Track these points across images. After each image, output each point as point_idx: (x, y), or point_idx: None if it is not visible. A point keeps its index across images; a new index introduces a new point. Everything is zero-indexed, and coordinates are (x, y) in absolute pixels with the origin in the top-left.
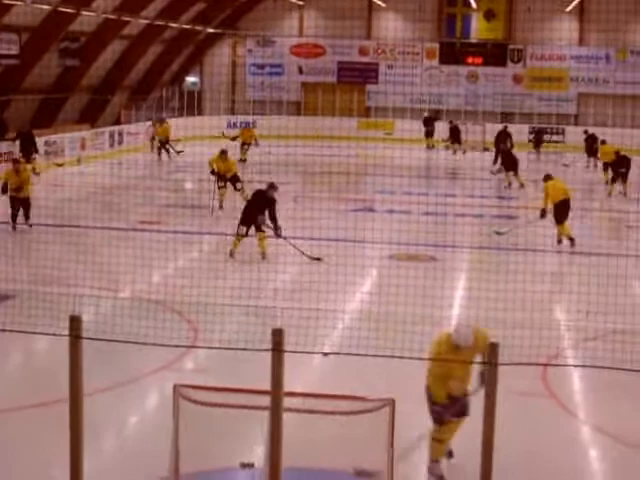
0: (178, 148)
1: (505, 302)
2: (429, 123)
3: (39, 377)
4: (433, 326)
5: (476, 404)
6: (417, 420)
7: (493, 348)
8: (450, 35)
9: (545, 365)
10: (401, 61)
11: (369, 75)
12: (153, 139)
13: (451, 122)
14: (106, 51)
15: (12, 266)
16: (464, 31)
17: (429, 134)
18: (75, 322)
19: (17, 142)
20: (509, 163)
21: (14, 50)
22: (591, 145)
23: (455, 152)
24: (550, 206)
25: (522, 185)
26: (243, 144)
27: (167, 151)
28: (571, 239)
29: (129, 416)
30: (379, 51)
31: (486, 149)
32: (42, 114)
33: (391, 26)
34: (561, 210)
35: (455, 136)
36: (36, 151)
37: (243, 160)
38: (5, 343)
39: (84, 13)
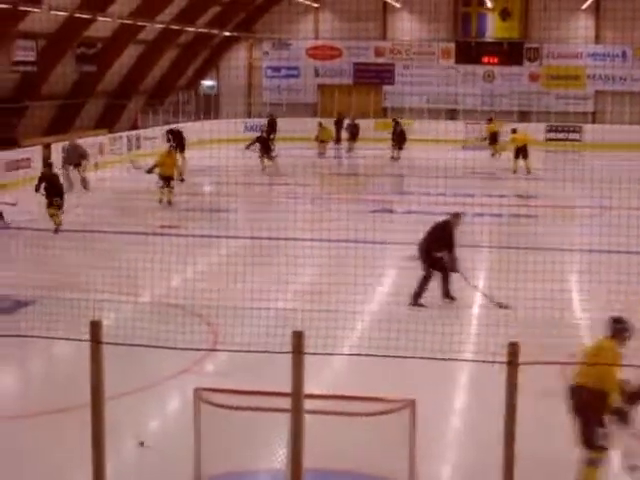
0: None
1: (524, 301)
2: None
3: (60, 382)
4: (453, 326)
5: (496, 405)
6: (437, 421)
7: (513, 348)
8: (466, 35)
9: (567, 364)
10: (417, 61)
11: (385, 76)
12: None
13: (490, 120)
14: (122, 56)
15: (32, 272)
16: (480, 30)
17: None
18: (96, 327)
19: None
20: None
21: (31, 57)
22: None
23: (494, 155)
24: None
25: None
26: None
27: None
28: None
29: (150, 420)
30: (395, 52)
31: (503, 149)
32: (59, 120)
33: (406, 27)
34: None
35: (494, 138)
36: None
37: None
38: (26, 349)
39: (100, 19)
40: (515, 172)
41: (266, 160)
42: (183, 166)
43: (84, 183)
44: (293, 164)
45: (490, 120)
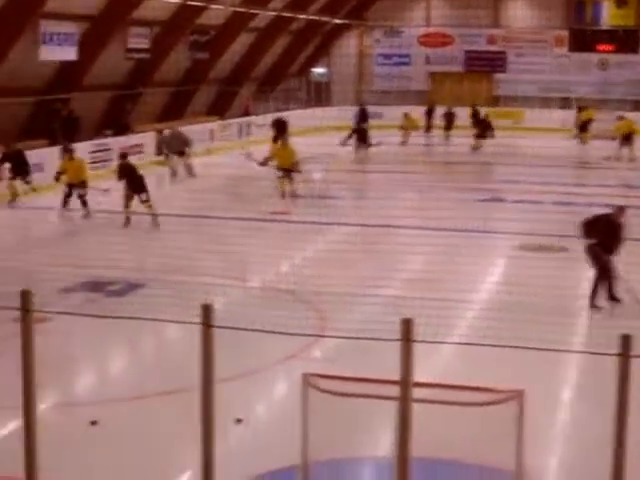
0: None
1: (637, 292)
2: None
3: (170, 365)
4: (564, 317)
5: (607, 398)
6: (546, 412)
7: (626, 340)
8: (580, 22)
9: None
10: (530, 49)
11: (497, 64)
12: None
13: (580, 109)
14: (234, 43)
15: (145, 256)
16: (594, 18)
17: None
18: (207, 310)
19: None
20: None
21: (145, 44)
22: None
23: (582, 143)
24: None
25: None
26: None
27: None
28: None
29: (258, 404)
30: (507, 39)
31: (614, 138)
32: (172, 107)
33: (519, 14)
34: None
35: (584, 126)
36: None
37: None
38: (137, 331)
39: (212, 6)
40: (619, 160)
41: (362, 151)
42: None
43: (189, 170)
44: (404, 152)
45: (581, 109)
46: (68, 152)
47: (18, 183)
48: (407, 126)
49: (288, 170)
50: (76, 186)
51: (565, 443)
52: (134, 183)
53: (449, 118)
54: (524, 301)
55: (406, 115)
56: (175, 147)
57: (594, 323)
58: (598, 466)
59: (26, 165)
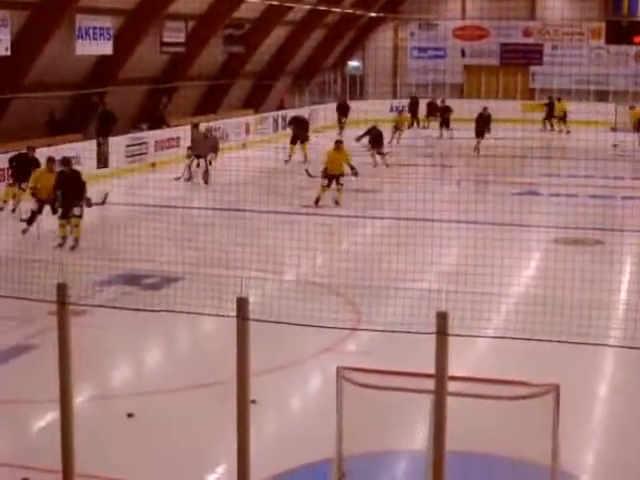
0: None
1: None
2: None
3: (206, 358)
4: (600, 310)
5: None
6: (582, 406)
7: None
8: (617, 14)
9: None
10: (566, 42)
11: (533, 57)
12: None
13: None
14: (269, 37)
15: (181, 249)
16: (631, 9)
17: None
18: (242, 304)
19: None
20: None
21: (181, 38)
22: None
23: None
24: None
25: None
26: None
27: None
28: None
29: (293, 397)
30: (543, 32)
31: None
32: (207, 100)
33: (555, 6)
34: None
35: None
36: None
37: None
38: (173, 324)
39: (248, 0)
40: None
41: (378, 157)
42: (305, 157)
43: (206, 177)
44: (439, 145)
45: (631, 107)
46: (50, 161)
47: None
48: (397, 123)
49: (337, 176)
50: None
51: (601, 438)
52: (70, 193)
53: (444, 113)
54: (559, 295)
55: (399, 112)
56: (200, 150)
57: (630, 316)
58: (634, 461)
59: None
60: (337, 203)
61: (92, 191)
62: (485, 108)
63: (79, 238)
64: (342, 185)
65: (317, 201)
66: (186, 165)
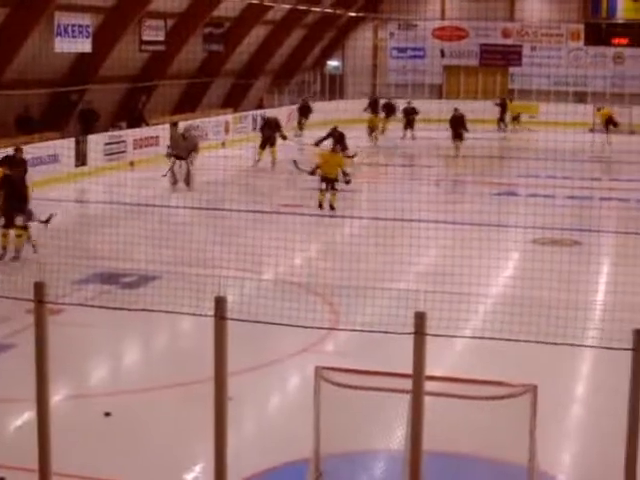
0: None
1: None
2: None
3: (183, 357)
4: (578, 311)
5: (620, 393)
6: (559, 406)
7: (639, 335)
8: (595, 16)
9: None
10: (545, 43)
11: (512, 57)
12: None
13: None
14: (249, 36)
15: (158, 247)
16: (610, 11)
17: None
18: (220, 303)
19: None
20: None
21: (160, 36)
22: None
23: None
24: None
25: None
26: None
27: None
28: None
29: (271, 397)
30: (522, 33)
31: (632, 132)
32: (187, 99)
33: (534, 7)
34: None
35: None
36: None
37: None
38: (150, 323)
39: None
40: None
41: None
42: (273, 161)
43: (188, 179)
44: (417, 145)
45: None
46: (5, 161)
47: None
48: (374, 124)
49: (332, 180)
50: None
51: (578, 438)
52: (14, 198)
53: (410, 113)
54: (537, 295)
55: (374, 114)
56: (180, 150)
57: (607, 317)
58: (611, 461)
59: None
60: (332, 207)
61: (69, 191)
62: (456, 109)
63: (21, 250)
64: (337, 190)
65: (320, 205)
66: (169, 168)
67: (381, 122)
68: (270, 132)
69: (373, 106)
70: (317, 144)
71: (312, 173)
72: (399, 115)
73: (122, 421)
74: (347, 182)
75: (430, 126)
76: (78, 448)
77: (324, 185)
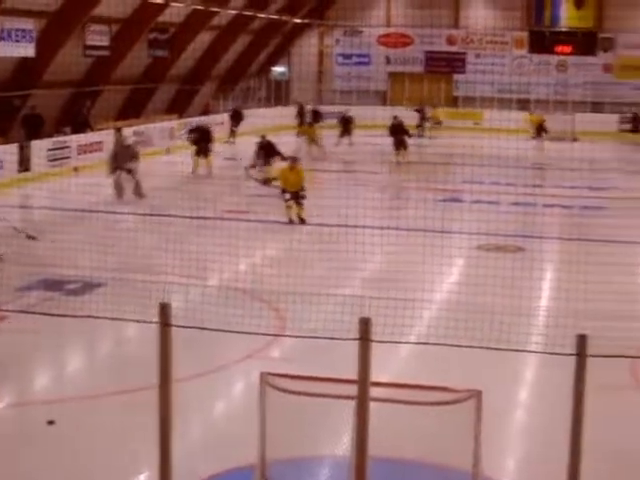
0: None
1: (594, 294)
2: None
3: (128, 364)
4: (521, 317)
5: (563, 397)
6: (504, 411)
7: (582, 340)
8: (539, 23)
9: (636, 357)
10: (490, 50)
11: (457, 65)
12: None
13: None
14: (195, 42)
15: (103, 254)
16: (553, 19)
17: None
18: (165, 309)
19: None
20: None
21: (105, 41)
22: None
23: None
24: None
25: None
26: None
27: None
28: None
29: (216, 403)
30: (467, 40)
31: (575, 139)
32: (131, 104)
33: (479, 15)
34: None
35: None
36: None
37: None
38: (95, 330)
39: (173, 4)
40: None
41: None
42: (208, 169)
43: (137, 190)
44: (364, 152)
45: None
46: None
47: None
48: (311, 134)
49: (296, 193)
50: None
51: (522, 443)
52: None
53: (316, 116)
54: (481, 301)
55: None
56: (123, 162)
57: (550, 322)
58: (555, 465)
59: None
60: (302, 220)
61: (13, 196)
62: (395, 117)
63: None
64: (302, 201)
65: (291, 221)
66: (113, 181)
67: (314, 130)
68: (204, 144)
69: (300, 114)
70: (264, 164)
71: (265, 183)
72: (328, 121)
73: (66, 429)
74: (301, 197)
75: (374, 132)
76: (20, 457)
77: (288, 197)
